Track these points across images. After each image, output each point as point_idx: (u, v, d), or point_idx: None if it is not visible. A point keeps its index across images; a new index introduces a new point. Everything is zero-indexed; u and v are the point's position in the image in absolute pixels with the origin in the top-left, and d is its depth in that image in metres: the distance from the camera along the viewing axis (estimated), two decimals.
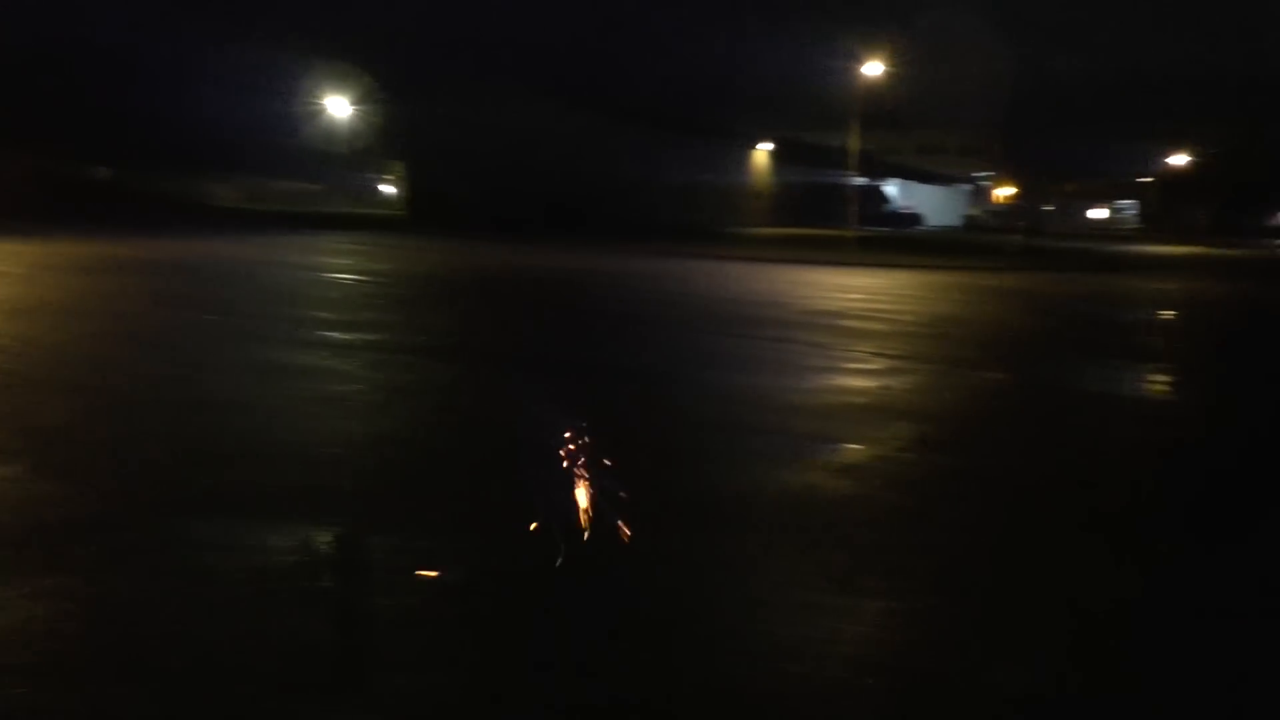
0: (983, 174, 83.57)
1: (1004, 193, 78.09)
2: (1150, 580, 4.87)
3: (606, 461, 4.86)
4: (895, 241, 44.08)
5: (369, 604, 4.31)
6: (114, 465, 6.24)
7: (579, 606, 4.24)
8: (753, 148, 59.79)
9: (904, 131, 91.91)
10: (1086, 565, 5.03)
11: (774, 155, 61.18)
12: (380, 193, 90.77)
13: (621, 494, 4.69)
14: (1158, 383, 11.42)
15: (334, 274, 21.87)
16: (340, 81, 61.43)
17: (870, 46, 38.14)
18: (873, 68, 37.68)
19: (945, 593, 4.62)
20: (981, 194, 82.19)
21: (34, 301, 14.55)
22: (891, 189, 70.71)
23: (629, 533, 4.59)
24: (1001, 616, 4.40)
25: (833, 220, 52.27)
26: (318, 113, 63.18)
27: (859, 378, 10.31)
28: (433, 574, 4.52)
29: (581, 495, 4.67)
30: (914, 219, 64.47)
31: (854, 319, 15.87)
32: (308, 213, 62.80)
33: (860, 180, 50.93)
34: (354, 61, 56.93)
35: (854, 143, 41.89)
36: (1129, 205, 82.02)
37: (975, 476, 6.76)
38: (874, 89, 40.37)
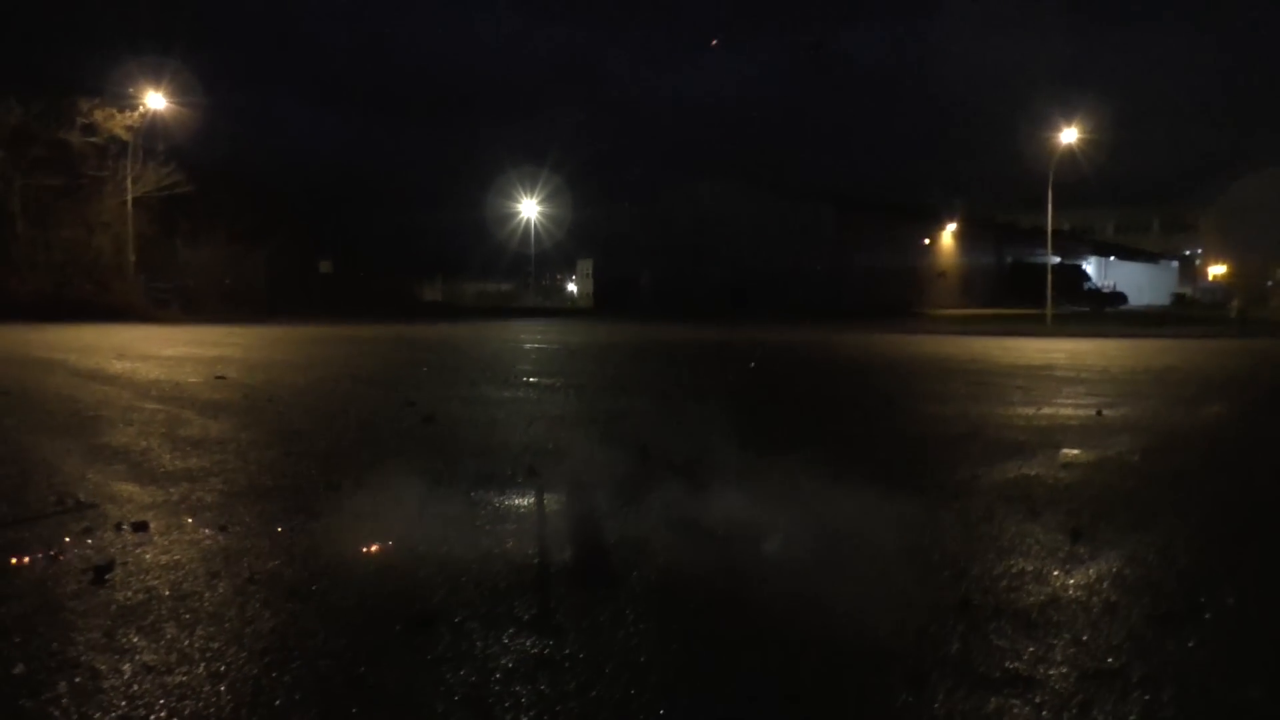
0: (1192, 250, 78.91)
1: (1216, 270, 73.19)
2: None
3: None
4: (1095, 318, 42.01)
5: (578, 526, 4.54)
6: (351, 452, 6.83)
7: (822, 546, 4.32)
8: (939, 228, 58.73)
9: (1102, 208, 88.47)
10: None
11: (961, 235, 59.84)
12: (567, 290, 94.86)
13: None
14: None
15: (529, 343, 22.95)
16: (530, 185, 65.28)
17: (1068, 121, 37.14)
18: (1068, 134, 36.59)
19: (1175, 544, 4.42)
20: (1191, 271, 77.30)
21: (273, 361, 16.04)
22: (1089, 267, 67.53)
23: None
24: (1228, 562, 4.19)
25: (1025, 300, 50.42)
26: (510, 216, 67.17)
27: (1072, 409, 9.92)
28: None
29: None
30: (1117, 297, 60.99)
31: (1061, 370, 15.23)
32: (501, 307, 66.36)
33: (1055, 259, 49.03)
34: (544, 163, 60.49)
35: (1048, 219, 40.50)
36: None
37: (1196, 471, 6.43)
38: (1070, 166, 39.24)
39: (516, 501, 5.22)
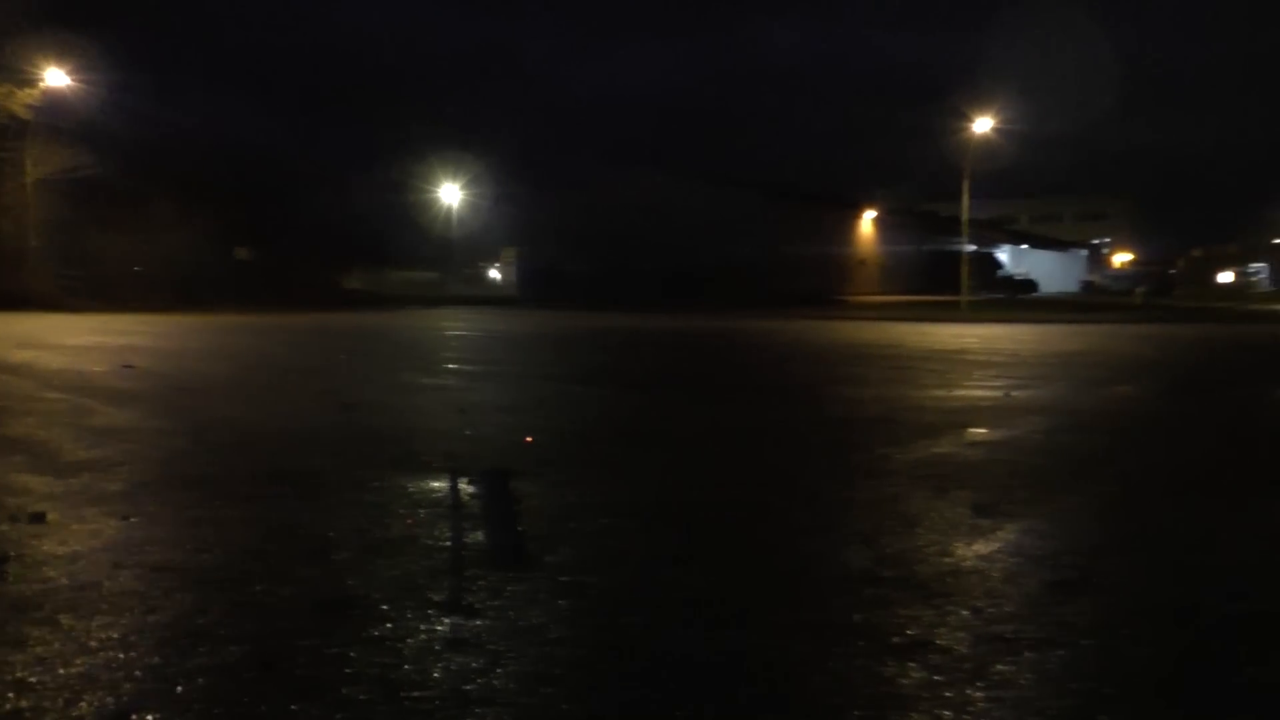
0: (1100, 240, 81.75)
1: (1123, 258, 75.99)
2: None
3: None
4: (1009, 304, 43.24)
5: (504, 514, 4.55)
6: (264, 441, 6.71)
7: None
8: (859, 217, 59.73)
9: (1017, 199, 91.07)
10: (1182, 505, 5.03)
11: (882, 224, 60.97)
12: (491, 278, 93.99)
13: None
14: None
15: (453, 331, 22.75)
16: (452, 170, 64.46)
17: (979, 112, 38.04)
18: (982, 124, 37.53)
19: (1071, 517, 4.62)
20: (1099, 259, 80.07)
21: (185, 350, 15.62)
22: (1003, 255, 69.40)
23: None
24: (1120, 532, 4.39)
25: (942, 288, 51.56)
26: (431, 202, 66.21)
27: (983, 390, 10.22)
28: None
29: None
30: (1028, 285, 62.82)
31: (974, 354, 15.66)
32: (426, 295, 65.49)
33: (970, 247, 50.21)
34: (466, 150, 59.75)
35: (964, 209, 41.49)
36: (1260, 269, 78.61)
37: (1094, 448, 6.71)
38: (986, 156, 40.26)
39: (433, 486, 5.18)
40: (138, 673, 2.76)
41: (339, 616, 3.22)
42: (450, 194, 66.96)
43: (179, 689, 2.66)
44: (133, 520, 4.44)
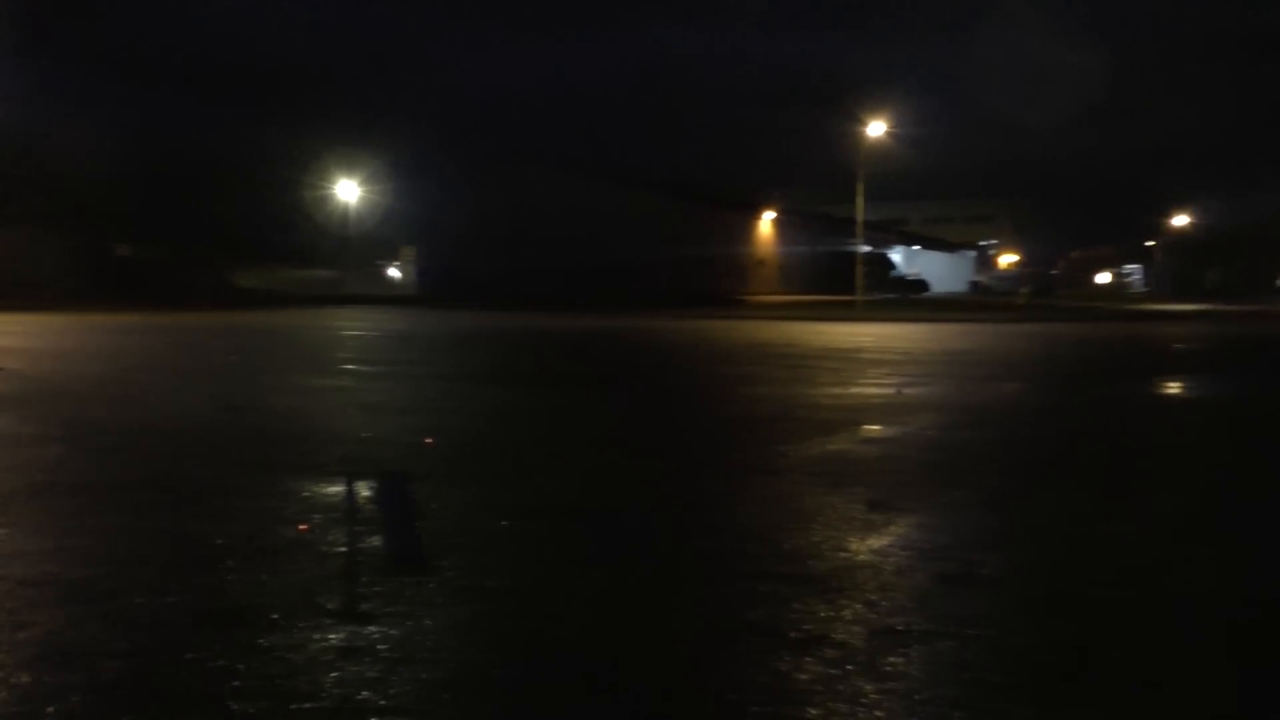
0: (988, 242, 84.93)
1: (1008, 259, 79.16)
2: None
3: None
4: (902, 304, 44.56)
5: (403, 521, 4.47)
6: (144, 445, 6.44)
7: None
8: (758, 218, 60.69)
9: (909, 202, 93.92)
10: (1065, 498, 5.25)
11: (780, 224, 62.08)
12: (390, 277, 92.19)
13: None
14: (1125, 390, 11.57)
15: (350, 331, 22.24)
16: (350, 166, 63.00)
17: (874, 116, 39.06)
18: (876, 128, 38.58)
19: (960, 511, 4.78)
20: (986, 261, 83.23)
21: (62, 351, 14.88)
22: (896, 256, 71.43)
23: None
24: (1006, 525, 4.56)
25: (838, 287, 52.75)
26: (329, 199, 64.56)
27: (876, 388, 10.48)
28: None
29: None
30: (920, 285, 64.82)
31: (868, 353, 16.06)
32: (323, 294, 63.84)
33: (865, 248, 51.49)
34: (364, 146, 58.47)
35: (859, 210, 42.54)
36: (1134, 270, 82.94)
37: (982, 444, 6.97)
38: (880, 159, 41.35)
39: (328, 490, 5.05)
40: (3, 694, 2.61)
41: (226, 627, 3.10)
42: (348, 190, 65.44)
43: (50, 709, 2.53)
44: (0, 532, 4.20)
